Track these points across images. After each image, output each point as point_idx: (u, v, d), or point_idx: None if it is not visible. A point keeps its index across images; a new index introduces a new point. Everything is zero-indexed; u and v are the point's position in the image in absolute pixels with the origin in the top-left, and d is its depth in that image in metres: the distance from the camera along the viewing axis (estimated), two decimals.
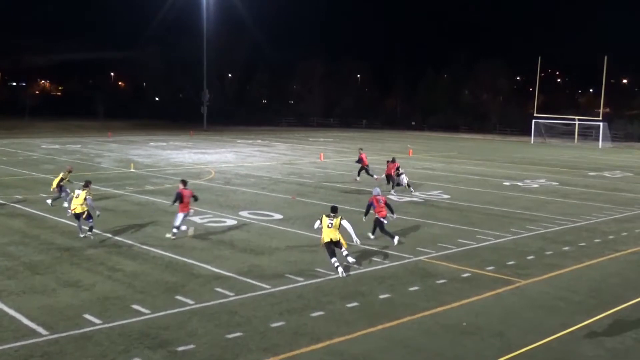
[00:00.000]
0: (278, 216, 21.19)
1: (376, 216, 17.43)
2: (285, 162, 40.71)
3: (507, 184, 31.84)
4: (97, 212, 17.78)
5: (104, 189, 26.32)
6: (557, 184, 32.40)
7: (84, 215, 17.05)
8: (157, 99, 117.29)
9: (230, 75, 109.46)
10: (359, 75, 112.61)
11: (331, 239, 14.33)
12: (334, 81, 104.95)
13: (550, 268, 15.49)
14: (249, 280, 13.77)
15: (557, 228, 20.55)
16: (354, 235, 14.96)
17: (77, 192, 17.33)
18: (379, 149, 55.41)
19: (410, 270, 14.96)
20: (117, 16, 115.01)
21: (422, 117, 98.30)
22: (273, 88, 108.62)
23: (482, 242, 18.07)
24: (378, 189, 18.26)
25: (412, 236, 18.64)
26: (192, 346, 10.16)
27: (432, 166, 40.11)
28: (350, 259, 14.61)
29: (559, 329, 11.33)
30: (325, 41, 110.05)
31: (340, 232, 14.47)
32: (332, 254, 14.32)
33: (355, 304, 12.40)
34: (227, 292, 12.86)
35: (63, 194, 21.63)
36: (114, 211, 21.50)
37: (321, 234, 14.61)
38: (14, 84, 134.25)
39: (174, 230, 17.44)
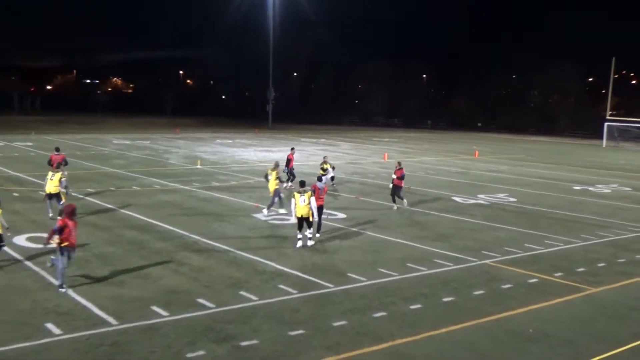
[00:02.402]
0: (341, 215, 21.21)
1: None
2: (349, 161, 40.71)
3: (577, 188, 30.92)
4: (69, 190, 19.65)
5: (172, 184, 26.94)
6: (630, 189, 31.25)
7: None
8: (223, 97, 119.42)
9: (295, 74, 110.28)
10: (424, 76, 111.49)
11: (302, 215, 16.19)
12: (398, 81, 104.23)
13: (622, 276, 14.95)
14: (311, 278, 13.82)
15: (629, 235, 19.83)
16: (315, 213, 16.38)
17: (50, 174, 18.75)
18: (446, 150, 54.75)
19: (475, 274, 14.70)
20: (187, 16, 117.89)
21: (488, 118, 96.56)
22: (337, 87, 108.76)
23: (550, 248, 17.60)
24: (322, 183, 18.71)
25: (477, 239, 18.33)
26: (255, 341, 10.27)
27: (499, 168, 39.34)
28: (310, 243, 16.46)
29: (631, 339, 10.92)
30: (391, 40, 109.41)
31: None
32: (300, 228, 16.36)
33: (418, 305, 12.28)
34: (290, 290, 12.95)
35: (276, 199, 20.75)
36: (181, 207, 21.97)
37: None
38: (88, 81, 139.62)
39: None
